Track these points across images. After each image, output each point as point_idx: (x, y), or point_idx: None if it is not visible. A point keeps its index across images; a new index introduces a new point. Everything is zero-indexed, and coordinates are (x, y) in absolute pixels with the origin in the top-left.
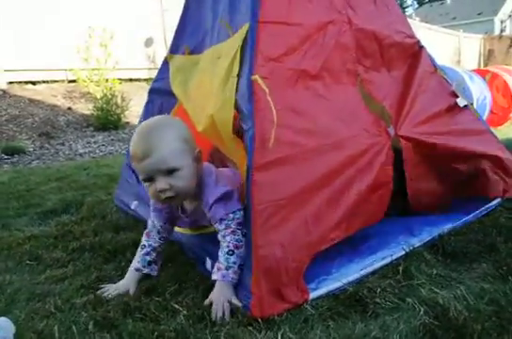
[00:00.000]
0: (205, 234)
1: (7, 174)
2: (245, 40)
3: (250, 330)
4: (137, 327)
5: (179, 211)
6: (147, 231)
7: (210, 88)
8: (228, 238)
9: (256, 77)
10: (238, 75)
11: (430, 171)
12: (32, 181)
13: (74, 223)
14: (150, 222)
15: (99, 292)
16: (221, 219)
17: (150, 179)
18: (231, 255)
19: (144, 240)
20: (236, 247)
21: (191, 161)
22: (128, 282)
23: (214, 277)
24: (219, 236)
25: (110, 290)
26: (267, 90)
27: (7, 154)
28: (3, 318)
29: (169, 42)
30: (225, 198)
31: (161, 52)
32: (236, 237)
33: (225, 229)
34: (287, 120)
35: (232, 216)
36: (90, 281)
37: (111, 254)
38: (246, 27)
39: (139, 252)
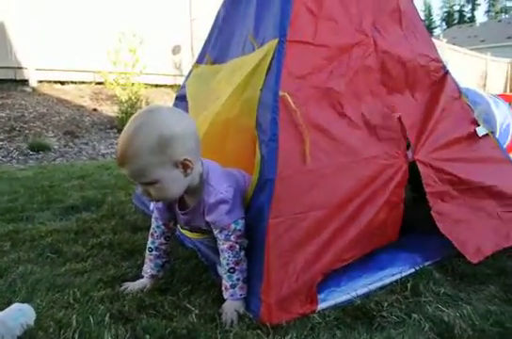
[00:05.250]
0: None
1: (32, 169)
2: (271, 56)
3: (259, 333)
4: (151, 322)
5: (176, 206)
6: (151, 231)
7: (219, 95)
8: (226, 255)
9: (285, 94)
10: (261, 89)
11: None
12: (56, 177)
13: (95, 220)
14: (153, 221)
15: (120, 288)
16: (222, 229)
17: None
18: (232, 273)
19: (150, 243)
20: (236, 263)
21: (171, 169)
22: (145, 281)
23: (224, 296)
24: (219, 247)
25: (128, 287)
26: (296, 108)
27: (32, 150)
28: (26, 305)
29: (196, 51)
30: (228, 203)
31: (187, 60)
32: (235, 253)
33: (224, 242)
34: (311, 136)
35: (233, 226)
36: (108, 276)
37: (128, 253)
38: (273, 43)
39: (149, 256)
